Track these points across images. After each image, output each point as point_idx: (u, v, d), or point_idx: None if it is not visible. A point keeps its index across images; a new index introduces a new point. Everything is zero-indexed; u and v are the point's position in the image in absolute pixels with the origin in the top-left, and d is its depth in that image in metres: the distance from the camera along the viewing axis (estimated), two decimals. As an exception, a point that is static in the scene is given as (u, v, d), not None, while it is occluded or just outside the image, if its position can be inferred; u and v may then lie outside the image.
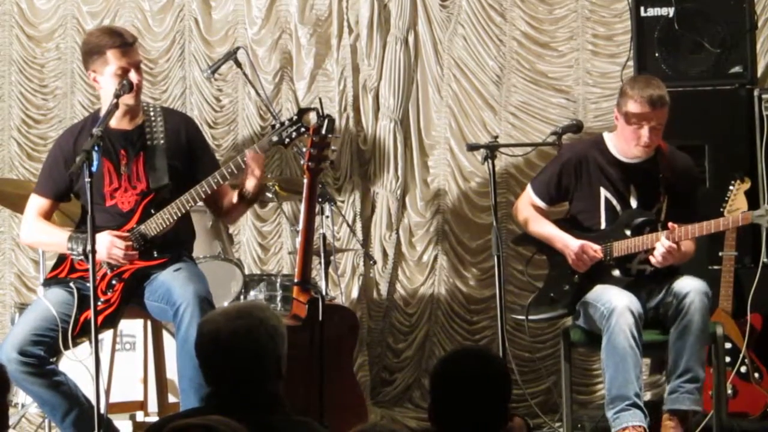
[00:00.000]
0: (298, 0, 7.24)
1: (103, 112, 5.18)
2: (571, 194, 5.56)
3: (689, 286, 5.31)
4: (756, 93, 6.28)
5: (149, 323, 5.53)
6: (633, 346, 5.18)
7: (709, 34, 6.35)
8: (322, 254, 6.21)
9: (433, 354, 7.09)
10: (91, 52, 5.18)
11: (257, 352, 3.56)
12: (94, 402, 4.69)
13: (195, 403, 4.78)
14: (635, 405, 5.18)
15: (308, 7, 7.28)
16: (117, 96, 5.06)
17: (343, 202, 7.21)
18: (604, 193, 5.47)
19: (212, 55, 7.35)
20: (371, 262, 7.10)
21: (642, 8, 6.44)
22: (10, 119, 7.65)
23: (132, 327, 6.02)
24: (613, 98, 5.51)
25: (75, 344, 5.05)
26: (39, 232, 5.29)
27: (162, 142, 5.22)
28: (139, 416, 6.01)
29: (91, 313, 4.68)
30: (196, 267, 5.28)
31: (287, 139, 5.09)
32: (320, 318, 5.01)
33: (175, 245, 5.22)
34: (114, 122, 5.16)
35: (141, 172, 5.19)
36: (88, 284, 4.82)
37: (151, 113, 5.28)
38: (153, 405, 5.79)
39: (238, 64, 6.46)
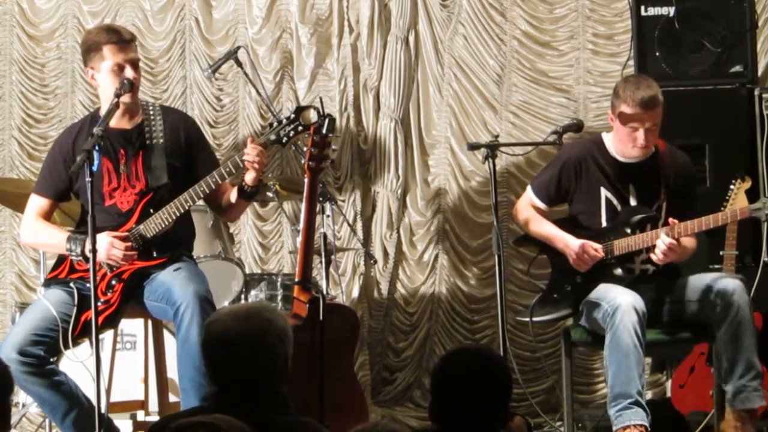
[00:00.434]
0: (298, -1, 7.26)
1: (102, 110, 5.19)
2: (571, 195, 5.56)
3: (732, 284, 5.29)
4: (756, 92, 6.28)
5: (150, 322, 5.52)
6: (636, 344, 5.17)
7: (709, 33, 6.35)
8: (323, 253, 6.21)
9: (434, 353, 7.09)
10: (89, 50, 5.19)
11: (267, 354, 3.58)
12: (94, 401, 4.69)
13: (196, 402, 4.78)
14: (637, 403, 5.17)
15: (309, 7, 7.28)
16: (117, 95, 5.06)
17: (343, 201, 7.22)
18: (604, 193, 5.47)
19: (213, 54, 7.35)
20: (372, 261, 7.10)
21: (642, 7, 6.44)
22: (10, 119, 7.65)
23: (132, 326, 6.02)
24: (613, 98, 5.51)
25: (75, 344, 5.05)
26: (38, 233, 5.29)
27: (161, 141, 5.21)
28: (140, 416, 6.00)
29: (91, 313, 4.68)
30: (196, 266, 5.27)
31: (285, 138, 5.08)
32: (321, 317, 5.01)
33: (174, 245, 5.21)
34: (113, 121, 5.15)
35: (140, 171, 5.18)
36: (88, 284, 4.82)
37: (151, 112, 5.27)
38: (154, 404, 5.78)
39: (239, 64, 6.46)
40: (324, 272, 6.26)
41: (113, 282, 5.13)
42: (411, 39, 7.20)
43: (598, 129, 6.31)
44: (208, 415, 3.01)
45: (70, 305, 5.07)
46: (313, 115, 5.13)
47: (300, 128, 5.07)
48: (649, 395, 6.31)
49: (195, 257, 5.39)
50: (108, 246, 5.07)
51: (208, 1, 7.47)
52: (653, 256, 5.35)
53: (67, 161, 5.17)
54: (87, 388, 5.05)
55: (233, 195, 5.20)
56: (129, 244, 5.11)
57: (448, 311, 7.14)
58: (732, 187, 5.79)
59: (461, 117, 7.13)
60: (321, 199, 6.03)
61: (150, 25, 7.50)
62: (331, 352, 5.05)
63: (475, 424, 3.41)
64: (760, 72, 6.54)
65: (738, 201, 5.83)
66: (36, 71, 7.66)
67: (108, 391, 5.26)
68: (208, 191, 5.09)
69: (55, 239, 5.22)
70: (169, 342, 5.44)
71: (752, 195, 5.95)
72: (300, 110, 5.10)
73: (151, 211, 5.13)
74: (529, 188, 5.67)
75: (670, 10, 6.38)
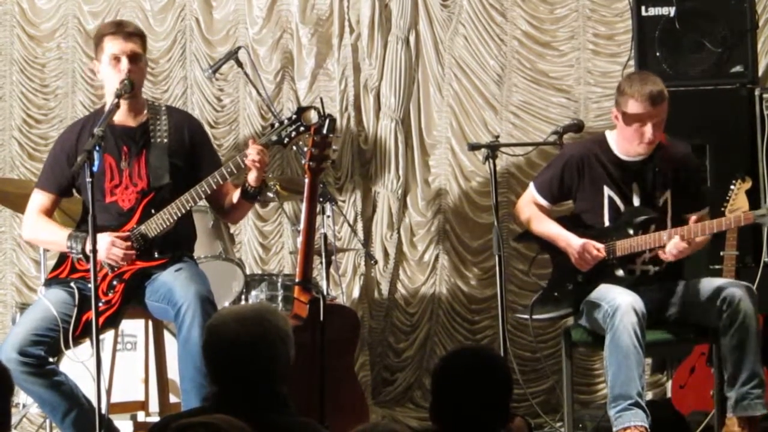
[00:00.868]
0: (299, -1, 7.26)
1: (106, 104, 5.20)
2: (574, 193, 5.55)
3: (739, 292, 5.28)
4: (757, 92, 6.28)
5: (150, 323, 5.52)
6: (636, 345, 5.16)
7: (709, 33, 6.35)
8: (323, 254, 6.21)
9: (435, 353, 7.09)
10: (95, 42, 5.29)
11: (267, 354, 3.59)
12: (95, 402, 4.69)
13: (196, 403, 4.78)
14: (637, 404, 5.17)
15: (309, 7, 7.28)
16: (118, 96, 5.07)
17: (344, 201, 7.22)
18: (607, 191, 5.46)
19: (213, 54, 7.36)
20: (372, 261, 7.10)
21: (643, 7, 6.44)
22: (11, 119, 7.66)
23: (133, 327, 6.02)
24: (614, 98, 5.50)
25: (76, 344, 5.05)
26: (40, 230, 5.29)
27: (165, 140, 5.22)
28: (140, 416, 6.00)
29: (92, 313, 4.68)
30: (197, 267, 5.27)
31: (286, 138, 5.08)
32: (321, 318, 5.01)
33: (176, 245, 5.21)
34: (118, 118, 5.16)
35: (142, 169, 5.19)
36: (88, 284, 4.81)
37: (156, 111, 5.28)
38: (154, 405, 5.78)
39: (239, 64, 6.46)
40: (324, 273, 6.25)
41: (114, 282, 5.14)
42: (411, 39, 7.20)
43: (598, 129, 6.31)
44: (209, 416, 3.02)
45: (71, 305, 5.07)
46: (313, 116, 5.13)
47: (301, 129, 5.07)
48: (649, 395, 6.31)
49: (195, 258, 5.39)
50: (108, 246, 5.07)
51: (209, 2, 7.47)
52: (663, 255, 5.34)
53: (70, 157, 5.18)
54: (87, 388, 5.04)
55: (236, 196, 5.20)
56: (129, 244, 5.11)
57: (449, 311, 7.14)
58: (732, 187, 5.79)
59: (462, 117, 7.13)
60: (321, 199, 6.03)
61: (150, 25, 7.49)
62: (332, 352, 5.05)
63: (476, 425, 3.41)
64: (760, 72, 6.54)
65: (738, 201, 5.83)
66: (36, 71, 7.66)
67: (108, 392, 5.26)
68: (209, 191, 5.09)
69: (56, 236, 5.23)
70: (170, 342, 5.44)
71: (752, 194, 5.95)
72: (301, 111, 5.10)
73: (153, 211, 5.13)
74: (531, 185, 5.66)
75: (670, 10, 6.37)
